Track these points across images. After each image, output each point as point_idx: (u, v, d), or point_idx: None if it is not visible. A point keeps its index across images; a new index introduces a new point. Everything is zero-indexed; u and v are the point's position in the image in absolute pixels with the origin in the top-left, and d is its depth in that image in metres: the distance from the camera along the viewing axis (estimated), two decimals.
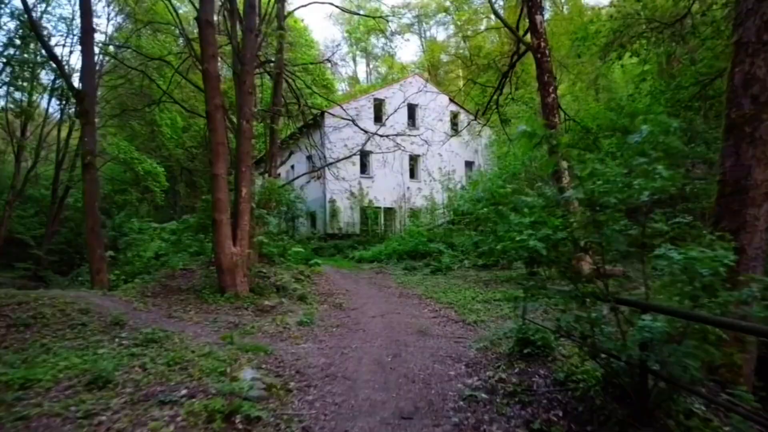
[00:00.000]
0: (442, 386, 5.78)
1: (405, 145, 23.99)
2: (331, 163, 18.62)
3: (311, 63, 23.66)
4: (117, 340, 7.72)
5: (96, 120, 13.93)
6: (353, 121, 17.80)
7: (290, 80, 18.33)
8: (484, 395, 5.37)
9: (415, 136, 23.27)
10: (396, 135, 19.77)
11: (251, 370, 5.56)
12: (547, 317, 8.77)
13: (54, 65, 17.53)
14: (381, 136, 18.12)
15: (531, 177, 22.31)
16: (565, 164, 14.09)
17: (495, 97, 18.47)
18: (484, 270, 17.27)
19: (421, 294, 13.52)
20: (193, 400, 4.92)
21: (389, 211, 27.36)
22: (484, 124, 20.66)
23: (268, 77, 18.51)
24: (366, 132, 18.83)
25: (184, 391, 5.14)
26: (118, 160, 28.21)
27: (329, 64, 23.57)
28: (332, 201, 25.64)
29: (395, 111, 18.88)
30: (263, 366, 6.32)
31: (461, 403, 5.22)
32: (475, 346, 7.52)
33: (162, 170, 29.24)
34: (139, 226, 21.36)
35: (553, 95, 14.23)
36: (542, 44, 14.44)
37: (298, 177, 22.85)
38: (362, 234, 25.79)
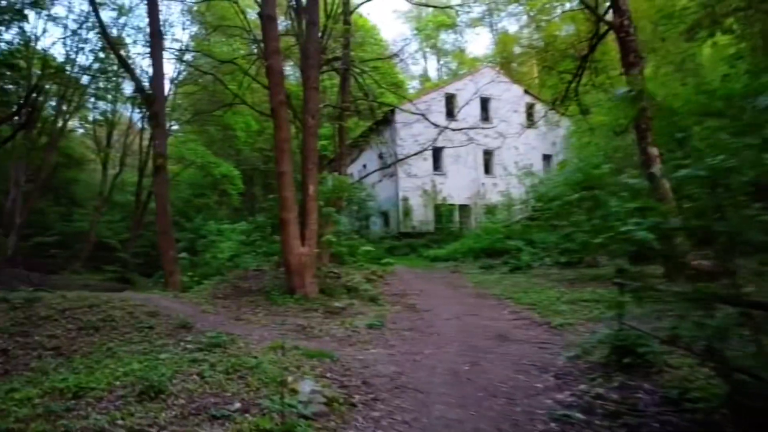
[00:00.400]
0: (528, 402, 4.98)
1: (478, 139, 23.05)
2: (402, 159, 18.00)
3: (379, 59, 23.13)
4: (182, 344, 7.43)
5: (175, 127, 14.19)
6: (423, 116, 17.09)
7: (358, 77, 17.86)
8: (579, 415, 4.52)
9: (489, 128, 22.22)
10: (469, 128, 18.89)
11: (311, 382, 4.99)
12: (645, 321, 7.77)
13: (124, 69, 17.95)
14: (453, 129, 17.32)
15: (614, 168, 20.79)
16: (655, 151, 12.90)
17: (573, 85, 17.21)
18: (568, 268, 16.09)
19: (499, 294, 12.65)
20: (246, 415, 4.40)
21: (463, 208, 26.43)
22: (563, 114, 19.36)
23: (336, 75, 18.11)
24: (437, 126, 18.05)
25: (237, 405, 4.64)
26: (196, 164, 28.83)
27: (398, 60, 22.99)
28: (405, 199, 25.02)
29: (466, 104, 18.03)
30: (327, 375, 5.75)
31: (552, 425, 4.40)
32: (565, 354, 6.63)
33: (238, 173, 29.68)
34: (217, 228, 21.64)
35: (639, 77, 12.95)
36: (625, 22, 13.24)
37: (368, 174, 22.39)
38: (436, 232, 25.01)
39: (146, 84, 15.08)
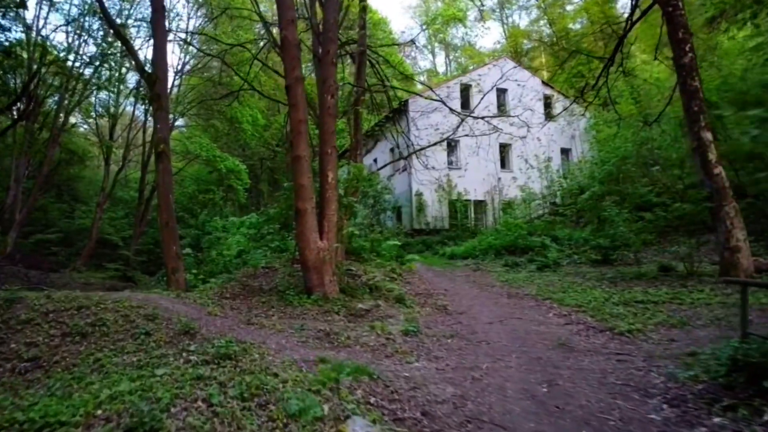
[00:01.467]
0: None
1: (499, 129, 21.71)
2: (418, 150, 16.60)
3: (393, 44, 21.80)
4: (184, 354, 6.06)
5: (180, 122, 12.90)
6: (443, 101, 15.69)
7: (374, 61, 16.49)
8: None
9: (508, 116, 20.75)
10: (491, 117, 17.49)
11: (362, 421, 3.60)
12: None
13: (124, 47, 16.56)
14: (475, 117, 15.93)
15: (643, 161, 19.41)
16: (710, 136, 11.50)
17: (602, 73, 15.74)
18: (602, 265, 14.70)
19: (535, 294, 11.27)
20: None
21: (480, 204, 25.02)
22: (588, 104, 17.93)
23: (350, 60, 16.73)
24: (457, 113, 16.64)
25: None
26: (201, 158, 27.49)
27: (413, 47, 21.61)
28: (419, 194, 23.63)
29: (486, 94, 16.54)
30: (371, 400, 4.38)
31: None
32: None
33: (244, 168, 28.35)
34: (223, 224, 20.29)
35: (690, 54, 11.55)
36: None
37: (382, 167, 20.99)
38: (451, 228, 23.60)
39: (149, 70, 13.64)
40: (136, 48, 23.27)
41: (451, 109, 15.77)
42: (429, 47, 48.17)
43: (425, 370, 5.59)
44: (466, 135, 15.88)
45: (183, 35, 24.44)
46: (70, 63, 23.07)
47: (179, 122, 35.01)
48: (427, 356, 6.24)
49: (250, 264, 12.29)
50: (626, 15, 16.49)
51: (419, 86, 34.13)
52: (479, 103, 16.60)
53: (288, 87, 9.75)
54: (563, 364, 5.77)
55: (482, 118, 16.03)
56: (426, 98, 18.09)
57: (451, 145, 24.86)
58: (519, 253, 17.84)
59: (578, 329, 7.79)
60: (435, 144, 16.85)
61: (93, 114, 30.01)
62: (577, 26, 36.55)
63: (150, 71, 12.06)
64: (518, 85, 23.56)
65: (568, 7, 37.77)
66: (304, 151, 9.53)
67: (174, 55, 73.86)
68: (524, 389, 4.84)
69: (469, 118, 17.60)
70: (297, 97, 9.61)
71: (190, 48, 26.81)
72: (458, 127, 16.12)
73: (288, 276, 10.59)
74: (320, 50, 11.21)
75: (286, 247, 11.01)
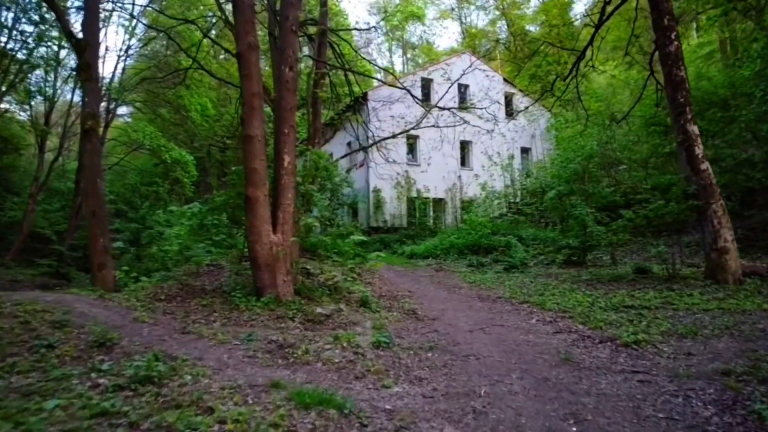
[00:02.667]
0: None
1: (456, 129, 20.65)
2: (379, 141, 15.30)
3: (354, 29, 20.45)
4: (92, 375, 4.60)
5: (123, 110, 11.11)
6: (408, 90, 14.43)
7: (335, 45, 15.08)
8: None
9: (472, 107, 19.68)
10: (455, 108, 16.38)
11: None
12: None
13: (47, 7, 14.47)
14: (440, 108, 14.72)
15: (607, 161, 18.74)
16: (696, 129, 10.67)
17: (574, 69, 14.79)
18: (571, 266, 13.79)
19: (509, 297, 10.17)
20: None
21: (439, 202, 23.91)
22: (556, 99, 17.00)
23: (309, 42, 15.25)
24: (420, 103, 15.39)
25: None
26: (145, 147, 25.33)
27: (373, 40, 20.30)
28: (377, 190, 22.31)
29: (454, 83, 15.48)
30: None
31: None
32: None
33: (191, 158, 26.29)
34: (166, 218, 18.45)
35: (675, 42, 10.71)
36: None
37: (340, 158, 19.52)
38: (410, 227, 22.42)
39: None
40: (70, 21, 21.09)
41: (414, 97, 14.51)
42: (387, 45, 46.97)
43: (409, 398, 4.27)
44: (431, 126, 14.63)
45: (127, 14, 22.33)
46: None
47: (123, 110, 32.67)
48: (408, 377, 4.92)
49: (193, 261, 10.70)
50: (580, 21, 15.76)
51: (380, 76, 32.89)
52: (445, 93, 15.41)
53: (240, 54, 8.26)
54: (578, 387, 4.57)
55: (447, 109, 14.86)
56: (390, 85, 16.89)
57: (411, 143, 23.70)
58: (483, 252, 16.84)
59: (573, 339, 6.65)
60: (398, 135, 15.60)
61: (28, 98, 27.33)
62: (535, 28, 36.16)
63: (79, 37, 10.30)
64: (486, 76, 22.60)
65: (528, 9, 37.37)
66: (257, 129, 8.06)
67: (117, 37, 70.11)
68: (547, 428, 3.59)
69: (431, 111, 16.40)
70: (251, 66, 8.14)
71: (136, 32, 24.68)
72: (422, 119, 14.87)
73: (235, 275, 9.07)
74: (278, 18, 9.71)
75: (234, 241, 9.41)
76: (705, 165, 10.10)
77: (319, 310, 7.61)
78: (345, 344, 5.78)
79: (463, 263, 15.97)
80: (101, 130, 19.81)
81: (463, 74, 15.82)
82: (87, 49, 9.94)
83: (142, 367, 4.47)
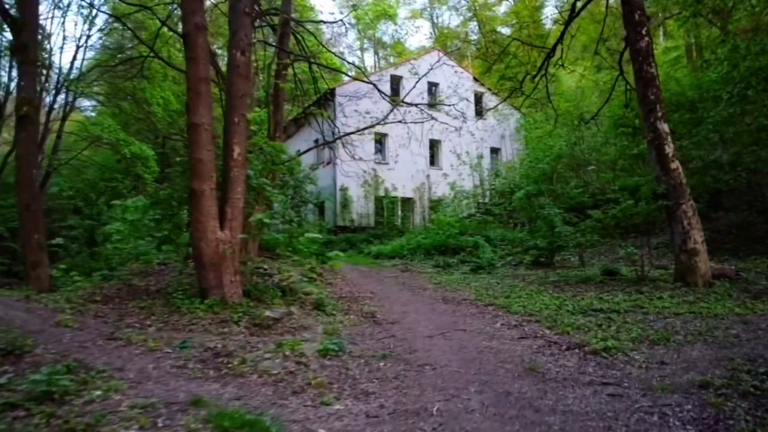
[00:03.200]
0: None
1: (424, 127, 20.15)
2: (345, 135, 14.68)
3: (321, 22, 19.78)
4: None
5: (87, 104, 10.15)
6: (374, 84, 13.87)
7: (300, 36, 14.40)
8: None
9: (441, 104, 19.20)
10: (423, 104, 15.87)
11: None
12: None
13: None
14: (407, 104, 14.18)
15: (578, 162, 18.48)
16: (666, 127, 10.34)
17: (543, 67, 14.39)
18: (539, 267, 13.41)
19: (474, 299, 9.68)
20: None
21: (408, 202, 23.39)
22: (526, 98, 16.62)
23: (271, 32, 14.56)
24: (388, 97, 14.79)
25: None
26: (104, 141, 24.17)
27: (341, 25, 19.68)
28: (344, 189, 21.67)
29: (421, 78, 14.63)
30: None
31: None
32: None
33: (152, 153, 25.19)
34: (122, 215, 17.48)
35: (646, 38, 10.38)
36: None
37: (304, 152, 18.82)
38: (377, 226, 21.84)
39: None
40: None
41: (380, 92, 13.92)
42: (359, 43, 46.37)
43: (350, 417, 3.68)
44: (398, 121, 14.06)
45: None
46: None
47: (88, 104, 31.31)
48: (353, 391, 4.32)
49: (143, 259, 9.94)
50: (550, 21, 15.49)
51: (350, 72, 32.22)
52: (412, 88, 14.86)
53: (186, 35, 7.58)
54: (543, 403, 4.04)
55: (415, 105, 14.31)
56: (356, 79, 16.29)
57: (379, 139, 23.14)
58: (450, 253, 16.40)
59: (538, 345, 6.15)
60: (364, 130, 14.97)
61: None
62: (506, 30, 35.95)
63: (15, 16, 9.46)
64: (455, 73, 22.16)
65: (499, 9, 37.23)
66: (203, 117, 7.39)
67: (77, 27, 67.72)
68: None
69: (399, 108, 15.86)
70: (197, 48, 7.46)
71: (95, 22, 23.55)
72: (389, 113, 14.30)
73: (179, 274, 8.36)
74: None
75: (179, 238, 8.66)
76: (675, 164, 9.75)
77: (267, 313, 6.97)
78: (288, 352, 5.16)
79: (430, 264, 15.49)
80: (39, 116, 18.72)
81: (431, 69, 15.24)
82: (24, 28, 9.09)
83: (41, 382, 3.79)
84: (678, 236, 9.51)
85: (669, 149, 9.78)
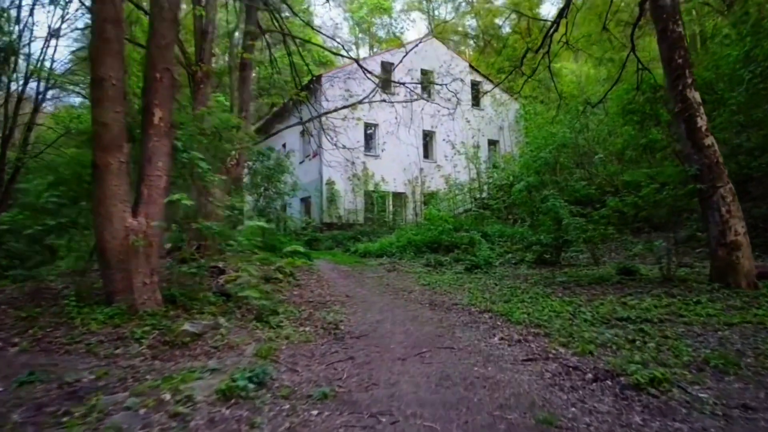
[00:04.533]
0: None
1: (416, 114, 18.31)
2: (328, 113, 12.82)
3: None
4: None
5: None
6: (358, 62, 12.05)
7: (274, 12, 12.54)
8: None
9: (432, 83, 17.38)
10: (413, 83, 14.05)
11: None
12: None
13: None
14: (395, 83, 12.37)
15: (581, 151, 16.60)
16: (698, 96, 8.46)
17: (545, 42, 12.50)
18: (545, 266, 11.55)
19: (467, 304, 7.81)
20: None
21: (399, 196, 21.48)
22: (526, 80, 14.72)
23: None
24: (372, 77, 12.84)
25: None
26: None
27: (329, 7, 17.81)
28: (330, 183, 19.77)
29: (410, 51, 12.96)
30: None
31: None
32: None
33: None
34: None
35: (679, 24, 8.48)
36: None
37: (281, 130, 16.89)
38: (367, 223, 19.93)
39: None
40: None
41: (364, 71, 12.07)
42: (353, 36, 44.47)
43: None
44: (383, 101, 12.21)
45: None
46: None
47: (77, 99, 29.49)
48: None
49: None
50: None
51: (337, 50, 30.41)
52: (399, 63, 13.00)
53: None
54: None
55: (403, 83, 12.44)
56: (336, 54, 14.49)
57: (370, 131, 21.29)
58: (443, 250, 14.55)
59: (552, 373, 4.28)
60: (347, 106, 13.08)
61: None
62: (506, 27, 34.17)
63: None
64: (450, 57, 20.29)
65: (497, 2, 35.34)
66: (110, 69, 5.53)
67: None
68: None
69: (391, 95, 13.99)
70: None
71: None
72: (373, 91, 12.42)
73: (79, 275, 6.46)
74: None
75: (87, 225, 6.68)
76: (710, 140, 7.86)
77: (187, 326, 5.08)
78: (168, 396, 3.27)
79: (420, 262, 13.61)
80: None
81: (419, 42, 13.39)
82: None
83: None
84: (715, 227, 7.62)
85: (701, 122, 7.89)
